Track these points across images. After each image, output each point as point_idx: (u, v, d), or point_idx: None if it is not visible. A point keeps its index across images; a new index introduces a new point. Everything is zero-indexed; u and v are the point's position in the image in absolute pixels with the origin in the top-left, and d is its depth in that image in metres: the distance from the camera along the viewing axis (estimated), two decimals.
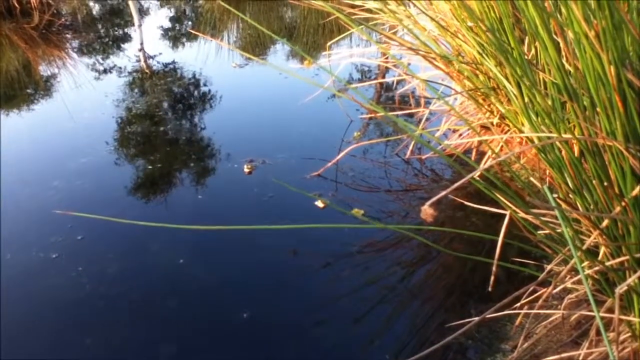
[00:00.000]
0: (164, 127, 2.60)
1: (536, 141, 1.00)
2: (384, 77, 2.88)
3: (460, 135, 2.09)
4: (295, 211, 1.92)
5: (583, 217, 0.94)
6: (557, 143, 0.91)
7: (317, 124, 2.64)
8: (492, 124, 1.98)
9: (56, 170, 2.25)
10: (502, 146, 1.64)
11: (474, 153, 2.12)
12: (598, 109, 0.83)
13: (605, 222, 0.93)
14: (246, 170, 2.16)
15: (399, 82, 2.37)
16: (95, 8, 6.38)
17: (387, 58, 2.46)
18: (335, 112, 2.50)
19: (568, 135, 0.88)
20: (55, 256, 1.70)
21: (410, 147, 2.18)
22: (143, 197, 2.05)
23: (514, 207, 1.04)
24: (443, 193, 0.78)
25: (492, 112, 1.65)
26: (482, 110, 1.84)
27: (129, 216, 1.92)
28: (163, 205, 1.99)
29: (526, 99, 0.96)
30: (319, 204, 1.92)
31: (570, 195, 1.03)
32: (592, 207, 1.00)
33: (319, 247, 1.73)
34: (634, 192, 0.85)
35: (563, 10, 0.80)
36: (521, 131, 1.71)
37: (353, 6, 2.32)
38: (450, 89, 2.16)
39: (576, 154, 0.98)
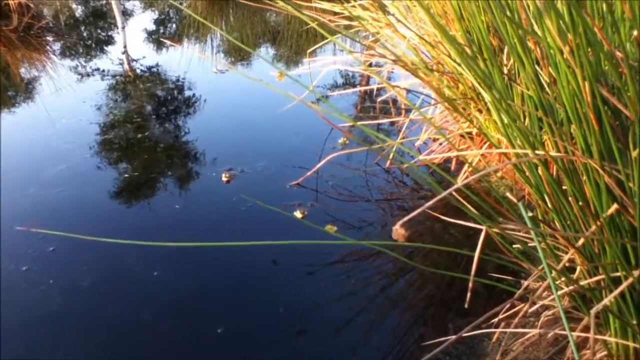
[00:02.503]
0: (143, 134, 2.55)
1: (513, 158, 0.98)
2: (367, 84, 2.86)
3: (441, 144, 2.07)
4: (274, 222, 1.89)
5: (559, 235, 0.92)
6: (535, 160, 0.89)
7: (298, 131, 2.61)
8: (471, 133, 1.97)
9: (32, 178, 2.20)
10: (479, 159, 1.63)
11: (453, 162, 2.11)
12: (573, 126, 0.82)
13: (581, 241, 0.91)
14: (224, 179, 2.12)
15: (380, 89, 2.36)
16: (78, 10, 6.30)
17: (369, 65, 2.44)
18: (317, 119, 2.47)
19: (541, 152, 0.86)
20: (25, 268, 1.66)
21: (391, 156, 2.17)
22: (120, 206, 2.01)
23: (489, 223, 1.02)
24: (414, 213, 0.76)
25: (471, 121, 1.64)
26: (461, 120, 1.83)
27: (105, 226, 1.88)
28: (140, 215, 1.94)
29: (504, 119, 0.94)
30: (298, 214, 1.89)
31: (548, 213, 1.02)
32: (569, 224, 0.98)
33: (298, 257, 1.71)
34: (609, 211, 0.83)
35: (538, 28, 0.79)
36: (500, 142, 1.70)
37: (335, 13, 2.30)
38: (430, 98, 2.15)
39: (553, 172, 0.96)
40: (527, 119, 1.05)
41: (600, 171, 0.80)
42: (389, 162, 2.14)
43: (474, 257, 1.08)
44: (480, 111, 1.82)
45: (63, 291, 1.58)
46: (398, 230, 0.72)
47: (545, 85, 0.91)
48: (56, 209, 1.97)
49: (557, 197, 0.95)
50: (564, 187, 0.99)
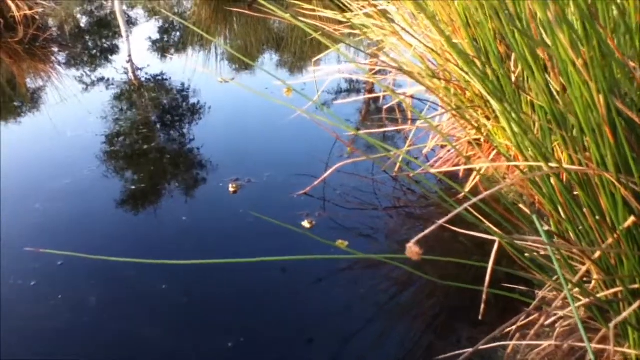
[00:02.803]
0: (149, 145, 2.55)
1: (525, 168, 0.97)
2: (371, 92, 2.85)
3: (449, 151, 2.06)
4: (282, 232, 1.88)
5: (577, 249, 0.90)
6: (546, 171, 0.88)
7: (304, 139, 2.60)
8: (479, 140, 1.95)
9: (38, 192, 2.19)
10: (488, 167, 1.61)
11: (461, 170, 2.09)
12: (587, 138, 0.80)
13: (598, 254, 0.90)
14: (231, 189, 2.12)
15: (385, 96, 2.35)
16: (83, 20, 6.33)
17: (374, 73, 2.44)
18: (324, 127, 2.47)
19: (555, 165, 0.85)
20: (33, 283, 1.65)
21: (398, 165, 2.15)
22: (126, 219, 2.00)
23: (502, 234, 1.01)
24: (428, 230, 0.74)
25: (479, 128, 1.63)
26: (469, 127, 1.82)
27: (112, 240, 1.87)
28: (146, 227, 1.94)
29: (515, 129, 0.93)
30: (306, 224, 1.88)
31: (562, 223, 1.00)
32: (583, 235, 0.97)
33: (307, 265, 1.70)
34: (627, 224, 0.82)
35: (548, 37, 0.78)
36: (508, 149, 1.68)
37: (339, 22, 2.30)
38: (437, 105, 2.14)
39: (563, 178, 0.95)
40: (536, 128, 1.03)
41: (617, 184, 0.79)
42: (396, 170, 2.12)
43: (484, 266, 1.07)
44: (488, 118, 1.81)
45: (71, 306, 1.58)
46: (412, 249, 0.71)
47: (556, 94, 0.90)
48: (62, 224, 1.96)
49: (570, 208, 0.94)
50: (575, 194, 0.98)
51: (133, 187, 2.19)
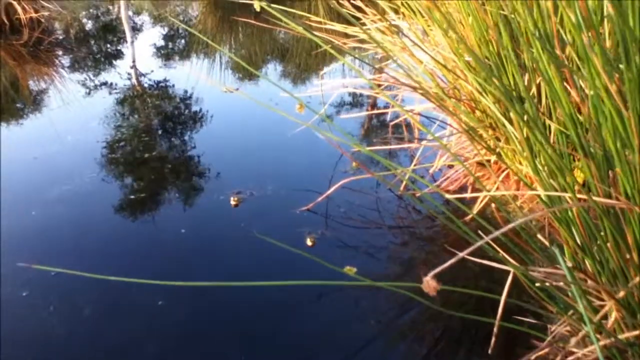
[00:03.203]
0: (150, 153, 2.51)
1: (543, 196, 0.92)
2: (375, 107, 2.81)
3: (456, 171, 2.01)
4: (284, 249, 1.83)
5: (602, 289, 0.85)
6: (567, 198, 0.83)
7: (309, 153, 2.56)
8: (488, 161, 1.91)
9: (36, 198, 2.15)
10: (497, 188, 1.57)
11: (469, 190, 2.05)
12: (618, 169, 0.76)
13: (622, 293, 0.85)
14: (233, 202, 2.07)
15: (391, 112, 2.31)
16: (88, 24, 6.32)
17: (381, 88, 2.40)
18: (329, 141, 2.42)
19: (583, 196, 0.80)
20: (25, 294, 1.60)
21: (404, 183, 2.11)
22: (125, 229, 1.95)
23: (516, 265, 0.96)
24: (446, 265, 0.69)
25: (489, 149, 1.59)
26: (479, 147, 1.77)
27: (109, 252, 1.82)
28: (145, 239, 1.89)
29: (536, 154, 0.88)
30: (308, 241, 1.83)
31: (578, 253, 0.95)
32: (603, 267, 0.92)
33: (309, 279, 1.64)
34: None
35: (577, 60, 0.74)
36: (520, 171, 1.64)
37: (347, 35, 2.26)
38: (445, 123, 2.09)
39: (586, 210, 0.90)
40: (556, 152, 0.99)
41: None
42: (401, 188, 2.08)
43: (493, 296, 1.01)
44: (498, 139, 1.76)
45: (64, 319, 1.52)
46: (430, 283, 0.66)
47: (583, 121, 0.85)
48: (59, 233, 1.91)
49: (591, 238, 0.89)
50: (596, 220, 0.93)
51: (132, 197, 2.14)
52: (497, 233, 0.68)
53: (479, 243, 0.67)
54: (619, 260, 0.84)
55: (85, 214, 2.04)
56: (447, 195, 1.08)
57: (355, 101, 3.19)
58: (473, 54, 1.03)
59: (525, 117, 0.85)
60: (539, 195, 0.94)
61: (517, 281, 1.10)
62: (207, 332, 1.49)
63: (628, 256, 0.81)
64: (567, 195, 0.83)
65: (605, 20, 0.77)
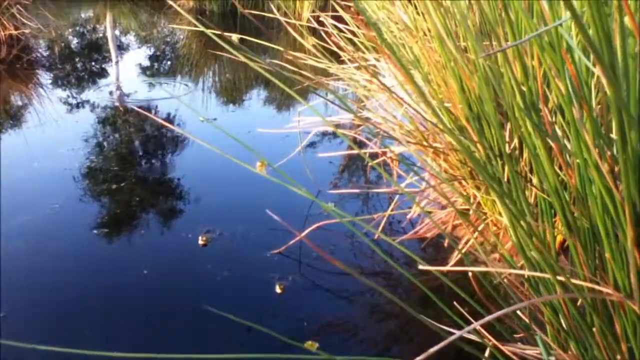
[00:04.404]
0: (119, 185, 2.40)
1: (526, 275, 0.85)
2: (353, 148, 2.74)
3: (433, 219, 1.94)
4: (251, 296, 1.73)
5: None
6: (557, 296, 0.75)
7: (284, 192, 2.46)
8: (468, 209, 1.84)
9: None
10: (473, 242, 1.49)
11: (446, 241, 1.97)
12: (607, 255, 0.68)
13: None
14: (201, 242, 1.96)
15: (371, 155, 2.24)
16: (74, 42, 6.24)
17: (360, 127, 2.33)
18: (305, 179, 2.34)
19: (570, 294, 0.72)
20: None
21: (380, 228, 2.02)
22: (83, 267, 1.84)
23: (493, 342, 0.87)
24: (433, 349, 0.61)
25: (467, 199, 1.52)
26: (457, 196, 1.70)
27: (62, 293, 1.70)
28: (103, 280, 1.77)
29: (519, 237, 0.81)
30: (278, 289, 1.73)
31: (561, 334, 0.87)
32: (587, 352, 0.84)
33: (276, 325, 1.54)
34: None
35: (567, 132, 0.67)
36: (499, 222, 1.56)
37: (327, 74, 2.20)
38: (422, 171, 2.02)
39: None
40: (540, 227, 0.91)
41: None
42: (377, 234, 1.99)
43: None
44: (478, 188, 1.70)
45: None
46: None
47: (569, 197, 0.78)
48: (11, 269, 1.78)
49: (575, 322, 0.81)
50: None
51: (95, 232, 2.03)
52: (476, 324, 0.59)
53: (461, 332, 0.58)
54: (605, 349, 0.76)
55: (42, 247, 1.92)
56: (420, 266, 1.01)
57: (336, 140, 3.12)
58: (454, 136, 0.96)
59: (504, 199, 0.78)
60: (522, 275, 0.86)
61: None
62: None
63: (615, 346, 0.73)
64: (549, 276, 0.75)
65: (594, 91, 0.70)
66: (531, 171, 1.43)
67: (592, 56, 0.66)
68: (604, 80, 0.55)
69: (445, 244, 1.94)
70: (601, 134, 0.64)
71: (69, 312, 1.61)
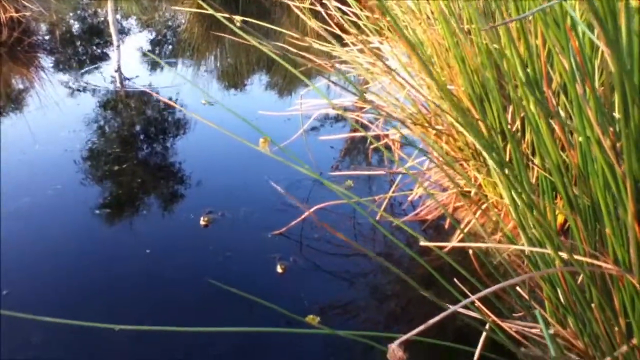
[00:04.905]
0: (120, 166, 2.40)
1: (527, 251, 0.85)
2: (356, 130, 2.74)
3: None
4: (252, 276, 1.74)
5: (582, 353, 0.78)
6: (557, 269, 0.76)
7: (286, 173, 2.47)
8: (469, 191, 1.84)
9: None
10: (476, 221, 1.49)
11: (447, 222, 1.98)
12: (608, 231, 0.69)
13: None
14: (202, 222, 1.97)
15: (374, 137, 2.24)
16: (75, 26, 6.20)
17: (362, 110, 2.33)
18: (308, 163, 2.34)
19: (570, 267, 0.73)
20: None
21: (382, 209, 2.03)
22: (85, 247, 1.85)
23: (493, 319, 0.88)
24: (414, 332, 0.61)
25: (468, 181, 1.52)
26: (459, 178, 1.71)
27: (64, 272, 1.71)
28: (105, 260, 1.78)
29: (521, 214, 0.81)
30: (279, 268, 1.74)
31: (559, 310, 0.88)
32: (585, 327, 0.85)
33: (277, 305, 1.56)
34: None
35: (570, 111, 0.67)
36: (498, 203, 1.57)
37: (331, 56, 2.20)
38: (425, 152, 2.02)
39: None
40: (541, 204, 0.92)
41: (639, 287, 0.67)
42: (379, 215, 2.00)
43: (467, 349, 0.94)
44: (479, 170, 1.70)
45: (13, 347, 1.41)
46: (396, 352, 0.58)
47: (571, 173, 0.79)
48: (13, 251, 1.79)
49: (574, 297, 0.82)
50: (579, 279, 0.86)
51: (97, 212, 2.04)
52: (475, 297, 0.60)
53: (460, 305, 0.59)
54: (603, 323, 0.77)
55: (43, 229, 1.93)
56: (422, 242, 1.01)
57: (338, 122, 3.12)
58: (457, 107, 0.96)
59: (506, 173, 0.79)
60: (522, 251, 0.87)
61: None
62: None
63: (614, 321, 0.74)
64: (549, 251, 0.76)
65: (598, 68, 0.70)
66: (533, 153, 1.43)
67: (596, 30, 0.67)
68: (606, 52, 0.55)
69: (446, 226, 1.95)
70: (604, 111, 0.64)
71: (72, 291, 1.63)
